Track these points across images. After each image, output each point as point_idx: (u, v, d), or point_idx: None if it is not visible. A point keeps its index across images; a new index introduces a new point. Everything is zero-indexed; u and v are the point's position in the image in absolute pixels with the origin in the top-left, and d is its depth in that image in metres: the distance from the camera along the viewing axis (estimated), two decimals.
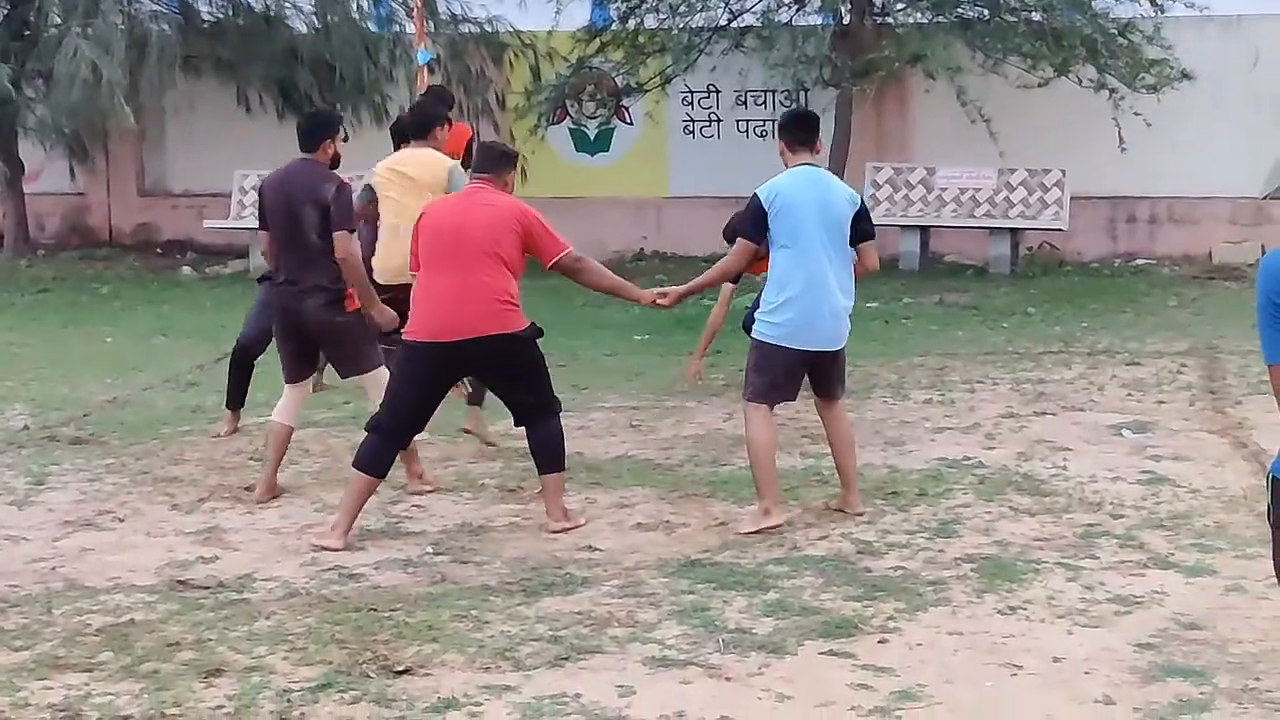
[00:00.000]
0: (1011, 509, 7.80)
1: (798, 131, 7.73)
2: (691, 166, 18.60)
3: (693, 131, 18.97)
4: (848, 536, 7.36)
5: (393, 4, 19.23)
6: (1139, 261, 17.39)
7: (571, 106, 19.06)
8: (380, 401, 7.90)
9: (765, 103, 18.17)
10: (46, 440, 9.73)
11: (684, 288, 8.05)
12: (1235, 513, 7.64)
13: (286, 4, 19.30)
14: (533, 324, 7.47)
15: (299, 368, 8.37)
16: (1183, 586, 6.55)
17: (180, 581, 6.87)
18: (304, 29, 19.13)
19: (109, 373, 12.07)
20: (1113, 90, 16.13)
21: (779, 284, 7.54)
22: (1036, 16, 16.31)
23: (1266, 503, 3.91)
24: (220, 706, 5.39)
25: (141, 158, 20.65)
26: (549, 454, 7.60)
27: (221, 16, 19.33)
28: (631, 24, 17.70)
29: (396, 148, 10.25)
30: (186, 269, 18.31)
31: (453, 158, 11.01)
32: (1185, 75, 16.13)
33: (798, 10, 17.29)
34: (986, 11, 16.62)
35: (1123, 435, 9.36)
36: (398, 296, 8.21)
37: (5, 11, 19.21)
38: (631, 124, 19.07)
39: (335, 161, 8.24)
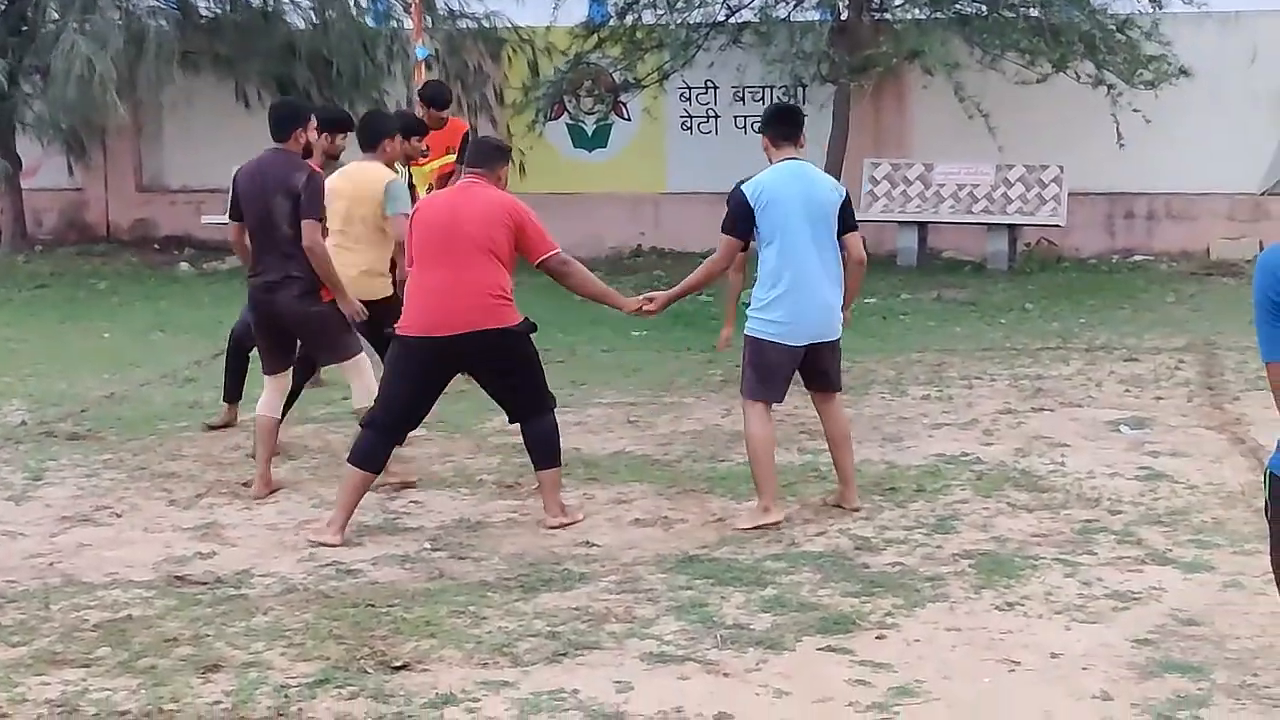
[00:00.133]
0: (1009, 505, 7.80)
1: (781, 126, 7.73)
2: (689, 163, 18.59)
3: (690, 128, 18.96)
4: (845, 532, 7.36)
5: None
6: (1137, 257, 17.39)
7: (569, 102, 19.05)
8: (362, 387, 8.05)
9: (763, 99, 18.12)
10: (44, 436, 9.73)
11: (669, 293, 8.03)
12: (1233, 508, 7.64)
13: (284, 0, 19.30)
14: (526, 319, 7.46)
15: (277, 359, 8.38)
16: (1180, 582, 6.55)
17: (178, 577, 6.87)
18: (302, 25, 19.11)
19: (106, 368, 12.06)
20: (1111, 86, 16.12)
21: (769, 280, 7.54)
22: (1034, 12, 16.30)
23: (1264, 498, 3.91)
24: (218, 702, 5.39)
25: (139, 153, 20.63)
26: (545, 450, 7.60)
27: (219, 12, 19.29)
28: (629, 20, 17.69)
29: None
30: (184, 265, 18.30)
31: (448, 152, 11.04)
32: (1183, 71, 16.12)
33: (795, 6, 17.28)
34: (984, 7, 16.61)
35: (1121, 431, 9.37)
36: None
37: (3, 7, 19.19)
38: (629, 120, 19.05)
39: (307, 151, 8.27)
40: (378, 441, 7.50)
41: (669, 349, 12.55)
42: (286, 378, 8.48)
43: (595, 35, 17.93)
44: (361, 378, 8.30)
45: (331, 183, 8.76)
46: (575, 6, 17.96)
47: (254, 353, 9.69)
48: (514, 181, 18.07)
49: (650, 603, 6.37)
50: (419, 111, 12.39)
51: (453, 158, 11.39)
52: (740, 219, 7.57)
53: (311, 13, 19.07)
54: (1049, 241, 17.69)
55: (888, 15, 17.20)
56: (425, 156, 10.91)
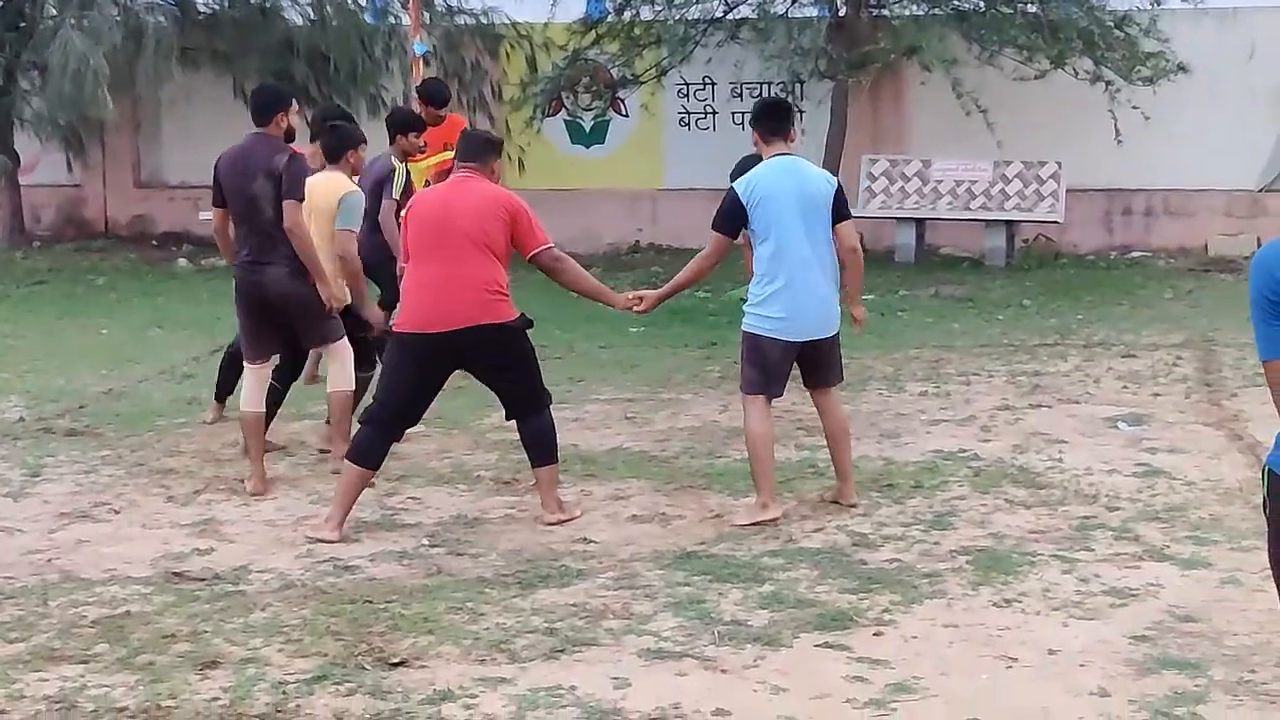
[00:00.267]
0: (1007, 501, 7.80)
1: (770, 121, 7.72)
2: (687, 159, 18.57)
3: (688, 124, 18.94)
4: (843, 529, 7.37)
5: None
6: (1135, 254, 17.38)
7: (567, 99, 19.03)
8: (341, 372, 8.18)
9: (761, 95, 18.09)
10: (42, 432, 9.73)
11: (659, 292, 8.04)
12: (1231, 505, 7.64)
13: None
14: (522, 314, 7.46)
15: (260, 346, 8.39)
16: (1178, 579, 6.56)
17: (176, 573, 6.88)
18: (300, 21, 19.10)
19: (104, 364, 12.06)
20: (1109, 83, 16.11)
21: (765, 276, 7.54)
22: (1033, 8, 16.30)
23: (1262, 495, 3.91)
24: (216, 698, 5.39)
25: (138, 150, 20.61)
26: (541, 447, 7.60)
27: (217, 9, 19.27)
28: (627, 16, 17.68)
29: (391, 140, 10.29)
30: (182, 261, 18.29)
31: (446, 149, 11.04)
32: (1181, 68, 16.11)
33: (793, 3, 17.27)
34: (982, 3, 16.61)
35: (1118, 428, 9.37)
36: None
37: (1, 3, 19.17)
38: (627, 116, 19.03)
39: (289, 135, 8.29)
40: (376, 438, 7.50)
41: (666, 345, 12.55)
42: (268, 369, 8.49)
43: (593, 31, 17.92)
44: (342, 363, 8.38)
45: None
46: (573, 2, 17.95)
47: None
48: (512, 178, 18.20)
49: (648, 599, 6.37)
50: (418, 107, 12.40)
51: (451, 154, 11.37)
52: (730, 216, 7.57)
53: (310, 9, 19.06)
54: (1047, 238, 17.69)
55: (885, 11, 17.19)
56: (423, 152, 10.91)
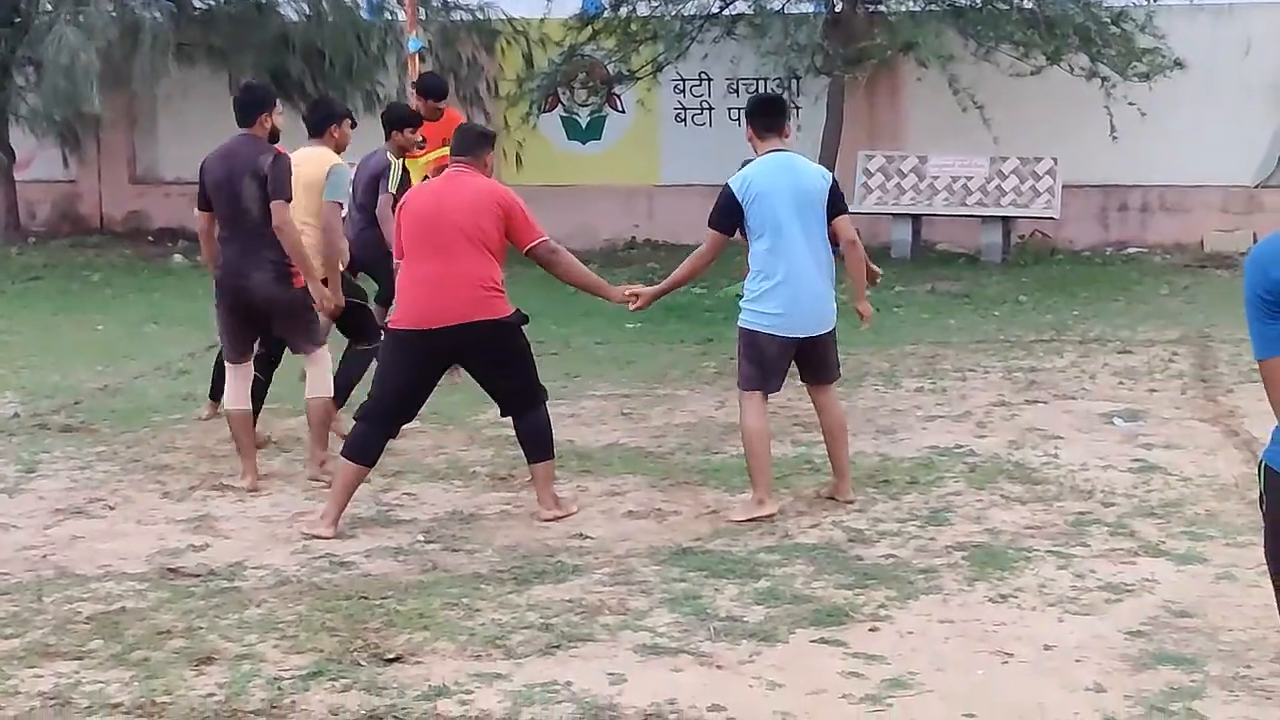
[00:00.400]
0: (1003, 497, 7.81)
1: (764, 118, 7.71)
2: (683, 155, 18.57)
3: (684, 120, 18.94)
4: (839, 524, 7.37)
5: None
6: (1131, 250, 17.39)
7: (563, 94, 19.03)
8: (319, 379, 8.20)
9: (757, 91, 18.09)
10: (37, 428, 9.72)
11: (655, 289, 8.05)
12: (1226, 501, 7.65)
13: None
14: (518, 311, 7.45)
15: (242, 347, 8.37)
16: (1174, 574, 6.56)
17: (171, 569, 6.87)
18: (295, 16, 19.09)
19: (100, 360, 12.05)
20: (1105, 79, 16.11)
21: (761, 273, 7.53)
22: (1029, 4, 16.29)
23: (1258, 490, 3.90)
24: (211, 694, 5.39)
25: (133, 145, 20.59)
26: (537, 443, 7.59)
27: (213, 4, 19.27)
28: (623, 11, 17.65)
29: (388, 136, 10.27)
30: (178, 257, 18.26)
31: (444, 144, 11.03)
32: (1178, 64, 16.12)
33: None
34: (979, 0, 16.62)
35: (1114, 423, 9.37)
36: None
37: None
38: (623, 112, 19.03)
39: (274, 135, 8.27)
40: (371, 434, 7.49)
41: (663, 341, 12.55)
42: (249, 367, 8.47)
43: (589, 27, 17.90)
44: (322, 369, 8.35)
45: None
46: None
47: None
48: (510, 174, 18.19)
49: (643, 595, 6.37)
50: (414, 103, 12.38)
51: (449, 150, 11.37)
52: (726, 213, 7.56)
53: (305, 5, 19.04)
54: (1043, 234, 17.70)
55: (882, 7, 17.18)
56: (422, 148, 10.90)
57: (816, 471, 8.23)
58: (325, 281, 8.45)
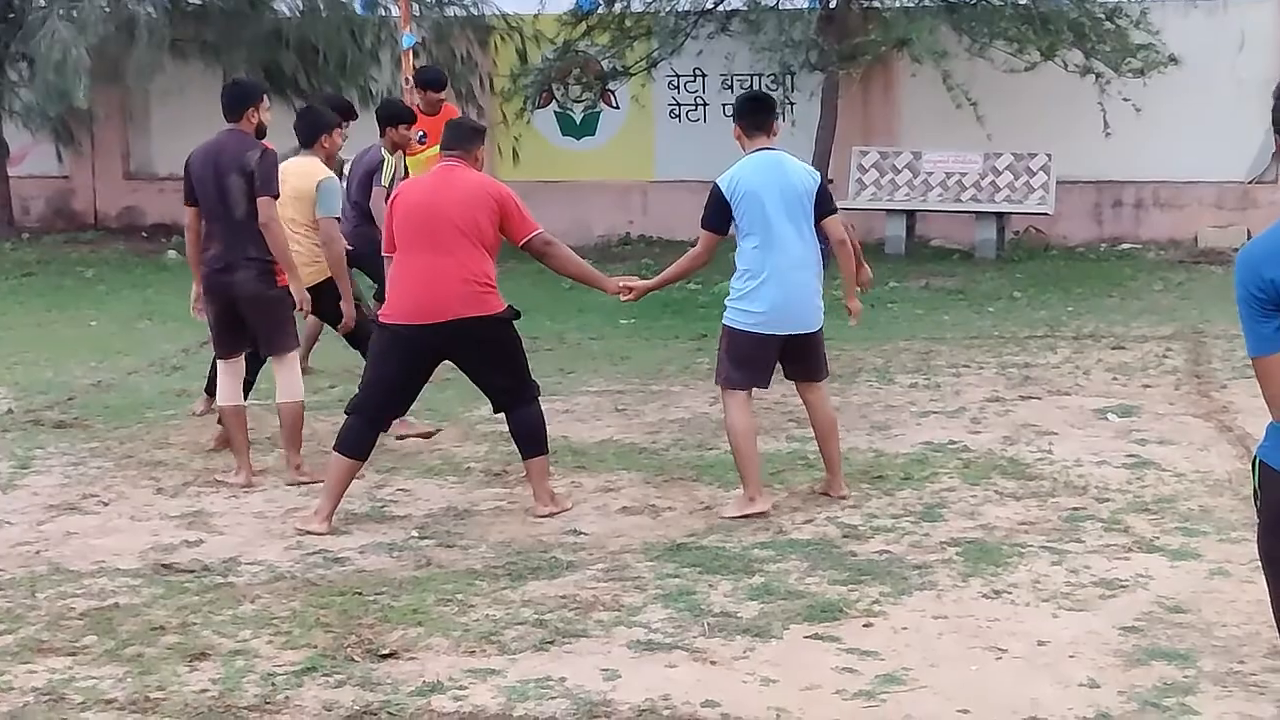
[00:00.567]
0: (997, 493, 7.81)
1: (753, 116, 7.70)
2: (677, 151, 18.57)
3: (679, 115, 18.93)
4: (833, 520, 7.37)
5: None
6: (1125, 246, 17.40)
7: (557, 90, 19.02)
8: (288, 384, 8.22)
9: (751, 87, 18.09)
10: (31, 424, 9.71)
11: (650, 282, 8.06)
12: (1220, 496, 7.65)
13: None
14: (510, 306, 7.44)
15: (231, 343, 8.37)
16: (1167, 570, 6.56)
17: (165, 565, 6.86)
18: (289, 12, 19.07)
19: (93, 356, 12.04)
20: (1099, 75, 16.12)
21: (748, 271, 7.52)
22: (1023, 0, 16.30)
23: (1252, 486, 3.91)
24: (205, 690, 5.39)
25: (127, 141, 20.58)
26: (530, 438, 7.59)
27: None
28: (618, 7, 17.67)
29: (382, 132, 10.25)
30: (172, 253, 18.23)
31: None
32: (1172, 59, 16.12)
33: None
34: None
35: (1108, 419, 9.37)
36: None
37: None
38: (617, 108, 19.03)
39: (261, 131, 8.26)
40: (363, 429, 7.48)
41: (657, 337, 12.55)
42: (240, 362, 8.46)
43: (583, 23, 17.90)
44: (292, 373, 8.33)
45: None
46: None
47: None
48: (507, 169, 18.18)
49: (638, 591, 6.37)
50: (408, 99, 12.37)
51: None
52: (717, 212, 7.56)
53: (299, 0, 19.02)
54: (1037, 230, 17.70)
55: (876, 3, 17.16)
56: (423, 143, 10.89)
57: (810, 467, 8.23)
58: (338, 292, 8.47)
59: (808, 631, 5.87)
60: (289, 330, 8.38)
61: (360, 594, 6.35)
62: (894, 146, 17.82)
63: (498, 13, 19.11)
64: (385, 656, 5.66)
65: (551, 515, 7.51)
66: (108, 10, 17.74)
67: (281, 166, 8.79)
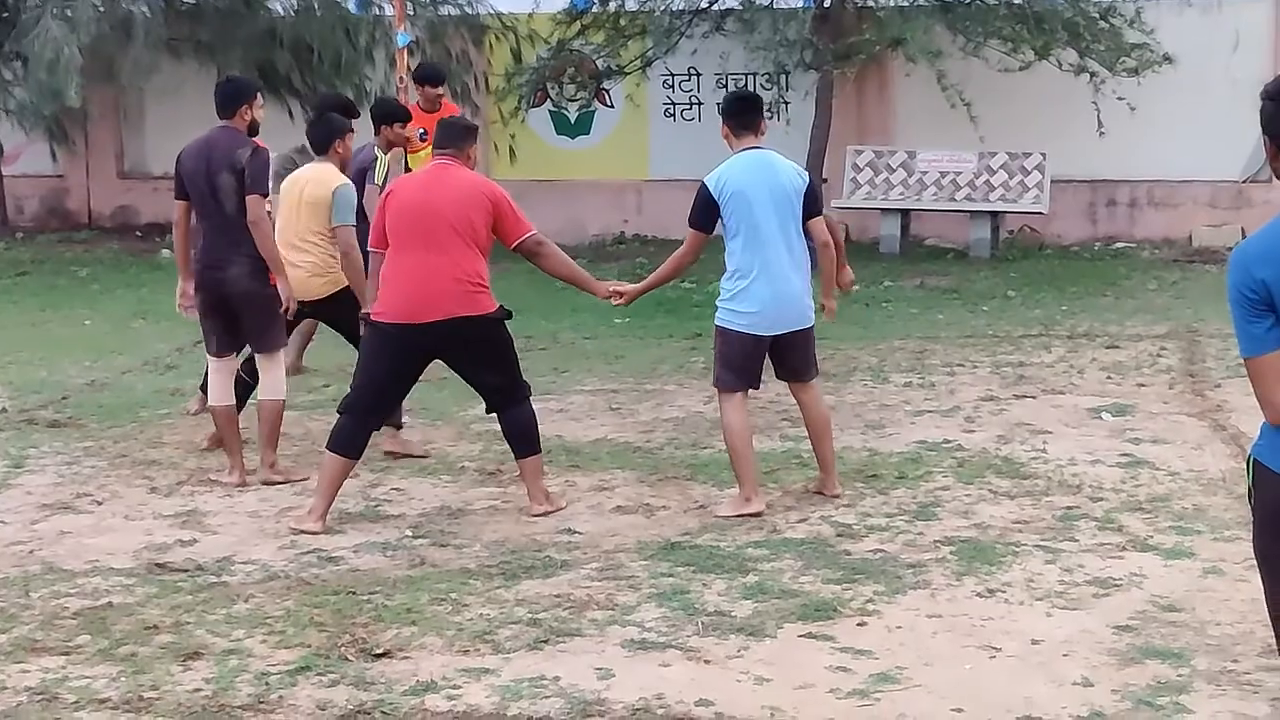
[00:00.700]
0: (991, 492, 7.81)
1: (740, 115, 7.70)
2: (672, 150, 18.55)
3: (673, 114, 18.92)
4: (827, 519, 7.37)
5: None
6: (1119, 245, 17.39)
7: (552, 89, 19.01)
8: (273, 382, 8.22)
9: (746, 86, 18.08)
10: (24, 423, 9.70)
11: (638, 286, 8.07)
12: (1214, 495, 7.66)
13: None
14: (501, 306, 7.44)
15: (225, 341, 8.35)
16: (1161, 569, 6.56)
17: (158, 564, 6.86)
18: (283, 11, 19.06)
19: (87, 356, 12.02)
20: (1093, 74, 16.12)
21: (737, 271, 7.52)
22: (1017, 0, 16.31)
23: (1246, 485, 3.91)
24: (198, 689, 5.39)
25: (121, 140, 20.55)
26: (524, 438, 7.59)
27: None
28: (612, 6, 17.65)
29: (376, 130, 10.24)
30: (166, 252, 18.18)
31: None
32: (1166, 59, 16.12)
33: None
34: None
35: (1102, 418, 9.38)
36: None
37: None
38: (612, 107, 19.01)
39: (253, 128, 8.25)
40: (356, 427, 7.48)
41: (651, 336, 12.55)
42: (233, 361, 8.45)
43: (578, 22, 17.88)
44: (277, 371, 8.32)
45: (293, 191, 8.73)
46: None
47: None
48: (504, 168, 18.17)
49: (632, 590, 6.37)
50: (403, 98, 12.36)
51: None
52: (704, 211, 7.56)
53: None
54: (1031, 229, 17.69)
55: (870, 2, 17.16)
56: (424, 140, 10.89)
57: (804, 466, 8.23)
58: (354, 302, 8.47)
59: (802, 630, 5.88)
60: (279, 328, 8.37)
61: (354, 593, 6.35)
62: (889, 146, 17.81)
63: (492, 11, 19.09)
64: (379, 656, 5.66)
65: (545, 514, 7.51)
66: (101, 9, 17.72)
67: (296, 174, 8.80)
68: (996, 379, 10.62)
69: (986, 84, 16.41)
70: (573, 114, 19.23)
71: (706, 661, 5.59)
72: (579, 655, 5.66)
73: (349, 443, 7.45)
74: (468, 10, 19.14)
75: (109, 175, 20.55)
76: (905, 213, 17.43)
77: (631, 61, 17.81)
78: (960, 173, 17.21)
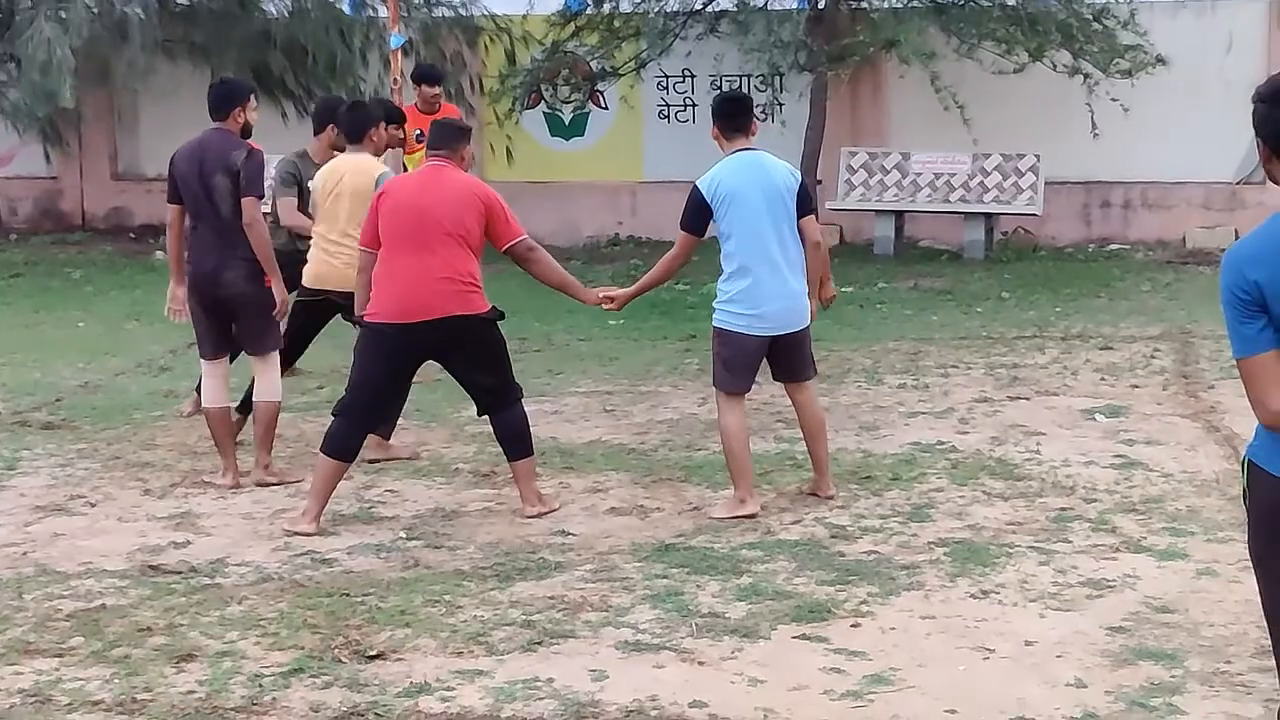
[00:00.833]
0: (985, 493, 7.81)
1: (731, 117, 7.69)
2: (666, 151, 18.55)
3: (668, 116, 18.92)
4: (821, 521, 7.37)
5: None
6: (1113, 246, 17.41)
7: (546, 91, 19.01)
8: (268, 383, 8.19)
9: (740, 88, 18.10)
10: (18, 425, 9.69)
11: (629, 291, 8.06)
12: (1207, 496, 7.66)
13: None
14: (494, 307, 7.44)
15: (217, 344, 8.34)
16: (1155, 570, 6.57)
17: (152, 566, 6.86)
18: (277, 12, 19.05)
19: (81, 358, 12.02)
20: (1087, 76, 16.13)
21: (735, 273, 7.52)
22: (1011, 1, 16.31)
23: (1240, 486, 3.91)
24: (191, 691, 5.38)
25: (115, 142, 20.53)
26: (516, 440, 7.58)
27: (195, 0, 19.22)
28: (606, 8, 17.66)
29: None
30: (159, 254, 18.13)
31: None
32: (1160, 61, 16.14)
33: None
34: None
35: (1096, 419, 9.38)
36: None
37: None
38: (606, 109, 19.02)
39: (246, 130, 8.24)
40: (350, 430, 7.47)
41: (646, 338, 12.55)
42: (225, 363, 8.44)
43: (572, 24, 17.89)
44: (272, 373, 8.30)
45: (331, 181, 8.64)
46: None
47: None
48: (500, 170, 18.16)
49: (626, 591, 6.37)
50: (397, 99, 12.35)
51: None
52: (696, 214, 7.56)
53: (287, 1, 19.00)
54: (1025, 230, 17.71)
55: (864, 4, 17.18)
56: (420, 142, 10.88)
57: (799, 468, 8.23)
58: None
59: (795, 632, 5.88)
60: (274, 330, 8.36)
61: (348, 595, 6.35)
62: (882, 147, 17.82)
63: (486, 13, 19.09)
64: (373, 658, 5.65)
65: (539, 516, 7.51)
66: (95, 11, 17.71)
67: (333, 164, 8.75)
68: (990, 380, 10.63)
69: (980, 86, 16.43)
70: (567, 116, 19.23)
71: (700, 663, 5.60)
72: (573, 657, 5.66)
73: (343, 445, 7.45)
74: (462, 12, 19.14)
75: (103, 177, 20.52)
76: (899, 214, 17.44)
77: (626, 63, 17.81)
78: (954, 174, 17.22)
